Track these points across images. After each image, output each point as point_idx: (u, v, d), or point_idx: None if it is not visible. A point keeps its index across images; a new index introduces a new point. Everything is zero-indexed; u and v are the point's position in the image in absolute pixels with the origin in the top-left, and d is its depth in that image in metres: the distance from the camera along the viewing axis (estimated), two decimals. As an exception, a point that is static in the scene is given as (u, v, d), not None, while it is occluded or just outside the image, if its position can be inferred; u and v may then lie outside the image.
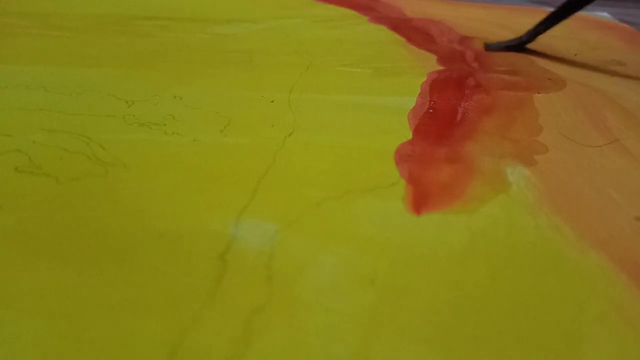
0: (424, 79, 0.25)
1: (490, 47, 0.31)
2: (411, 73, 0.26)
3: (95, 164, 0.17)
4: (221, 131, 0.19)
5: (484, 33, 0.34)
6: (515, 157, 0.18)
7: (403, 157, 0.18)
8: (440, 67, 0.27)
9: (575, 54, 0.30)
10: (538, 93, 0.24)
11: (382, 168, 0.17)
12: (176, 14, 0.36)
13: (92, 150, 0.18)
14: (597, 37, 0.34)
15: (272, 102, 0.22)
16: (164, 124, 0.20)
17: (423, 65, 0.27)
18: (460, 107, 0.22)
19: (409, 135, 0.19)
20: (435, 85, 0.24)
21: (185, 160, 0.17)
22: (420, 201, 0.15)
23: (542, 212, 0.15)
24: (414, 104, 0.22)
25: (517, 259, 0.13)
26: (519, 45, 0.31)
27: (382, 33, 0.34)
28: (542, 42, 0.33)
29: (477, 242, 0.14)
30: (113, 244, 0.13)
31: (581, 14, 0.42)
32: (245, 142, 0.19)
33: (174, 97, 0.22)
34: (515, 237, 0.14)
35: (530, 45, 0.31)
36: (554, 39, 0.34)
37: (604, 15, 0.42)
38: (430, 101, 0.22)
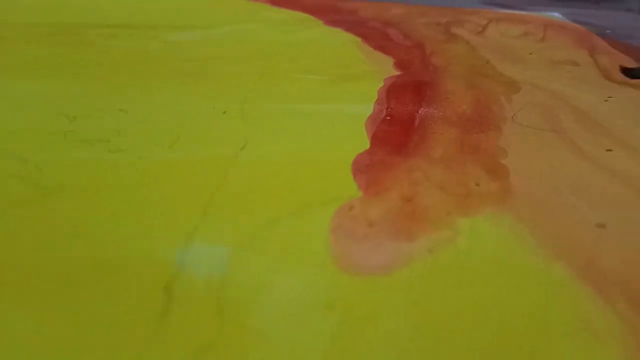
0: (381, 84, 0.25)
1: (635, 74, 0.28)
2: (368, 78, 0.25)
3: (30, 187, 0.15)
4: (169, 147, 0.18)
5: (439, 35, 0.34)
6: (475, 164, 0.18)
7: (361, 167, 0.17)
8: (398, 72, 0.27)
9: (530, 53, 0.30)
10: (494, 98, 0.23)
11: (339, 180, 0.16)
12: (125, 21, 0.35)
13: (27, 172, 0.16)
14: (551, 37, 0.35)
15: (224, 113, 0.21)
16: (108, 141, 0.19)
17: (380, 70, 0.27)
18: (417, 113, 0.21)
19: (366, 144, 0.19)
20: (393, 91, 0.24)
21: (129, 181, 0.16)
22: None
23: (505, 221, 0.15)
24: (372, 111, 0.22)
25: (481, 273, 0.13)
26: None
27: (338, 35, 0.33)
28: (498, 41, 0.33)
29: (439, 257, 0.13)
30: (47, 278, 0.12)
31: (534, 15, 0.42)
32: (195, 158, 0.18)
33: (120, 110, 0.21)
34: (477, 249, 0.14)
35: (487, 46, 0.31)
36: (510, 39, 0.34)
37: (555, 15, 0.43)
38: (387, 108, 0.22)
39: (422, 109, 0.22)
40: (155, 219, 0.14)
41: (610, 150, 0.19)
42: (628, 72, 0.28)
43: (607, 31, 0.38)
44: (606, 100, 0.23)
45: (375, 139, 0.19)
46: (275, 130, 0.20)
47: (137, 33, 0.32)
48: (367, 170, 0.17)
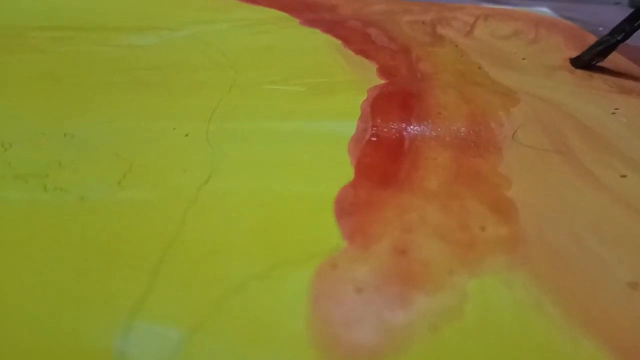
0: (365, 96, 0.22)
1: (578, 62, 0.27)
2: (350, 89, 0.23)
3: (-62, 247, 0.13)
4: (119, 182, 0.16)
5: (427, 37, 0.32)
6: (477, 200, 0.15)
7: (345, 207, 0.15)
8: (382, 80, 0.24)
9: (523, 58, 0.28)
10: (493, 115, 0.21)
11: (320, 225, 0.14)
12: (78, 22, 0.32)
13: (-62, 223, 0.13)
14: (543, 37, 0.32)
15: (186, 136, 0.18)
16: (46, 175, 0.16)
17: (362, 79, 0.24)
18: (407, 133, 0.19)
19: (350, 173, 0.16)
20: (378, 105, 0.21)
21: (63, 231, 0.13)
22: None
23: (519, 281, 0.12)
24: (355, 130, 0.19)
25: (493, 354, 0.10)
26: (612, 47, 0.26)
27: (316, 37, 0.31)
28: (488, 44, 0.31)
29: (442, 329, 0.11)
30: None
31: (523, 11, 0.40)
32: (148, 197, 0.15)
33: (65, 134, 0.18)
34: (488, 322, 0.11)
35: (477, 49, 0.29)
36: (500, 40, 0.31)
37: (544, 10, 0.41)
38: (372, 126, 0.19)
39: (411, 127, 0.19)
40: (91, 288, 0.12)
41: (625, 176, 0.17)
42: (575, 62, 0.28)
43: (600, 28, 0.36)
44: (613, 113, 0.21)
45: (360, 167, 0.17)
46: (245, 157, 0.17)
47: (88, 37, 0.29)
48: (352, 211, 0.14)
